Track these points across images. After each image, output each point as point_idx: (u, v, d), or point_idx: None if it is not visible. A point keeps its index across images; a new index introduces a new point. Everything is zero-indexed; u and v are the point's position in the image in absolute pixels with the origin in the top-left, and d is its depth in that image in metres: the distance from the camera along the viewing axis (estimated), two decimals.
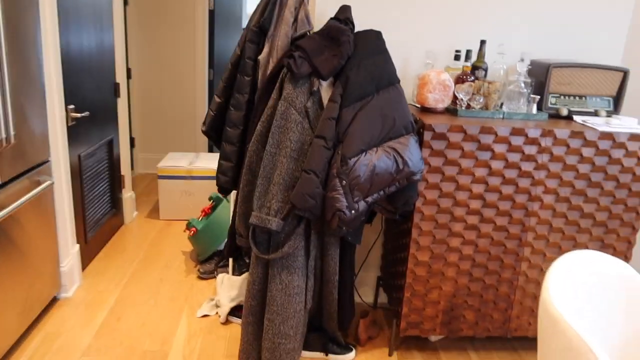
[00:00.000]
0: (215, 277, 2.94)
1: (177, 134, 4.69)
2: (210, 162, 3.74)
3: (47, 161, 2.44)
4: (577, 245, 2.18)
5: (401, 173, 1.88)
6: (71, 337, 2.34)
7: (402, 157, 1.87)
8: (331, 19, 2.03)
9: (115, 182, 3.40)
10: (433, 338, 2.46)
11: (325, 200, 1.86)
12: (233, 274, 2.79)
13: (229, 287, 2.64)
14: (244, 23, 5.17)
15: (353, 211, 1.86)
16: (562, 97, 2.20)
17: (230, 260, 2.82)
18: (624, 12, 2.40)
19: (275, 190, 1.90)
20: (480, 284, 2.19)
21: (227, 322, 2.53)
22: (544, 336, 1.24)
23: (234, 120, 2.09)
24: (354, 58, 1.90)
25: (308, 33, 2.08)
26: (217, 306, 2.61)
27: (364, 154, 1.84)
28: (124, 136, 3.52)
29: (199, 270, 2.95)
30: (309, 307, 2.16)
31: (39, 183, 2.35)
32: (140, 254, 3.18)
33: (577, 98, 2.21)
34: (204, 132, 2.23)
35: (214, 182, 3.65)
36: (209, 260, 3.02)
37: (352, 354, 2.31)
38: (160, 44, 4.43)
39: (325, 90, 1.94)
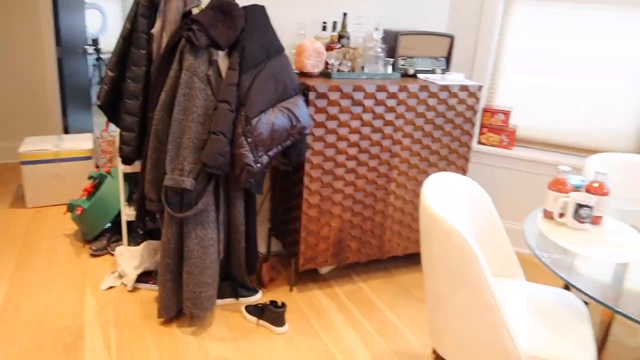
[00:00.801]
0: (108, 252, 2.97)
1: (25, 118, 4.36)
2: (77, 142, 3.63)
3: None
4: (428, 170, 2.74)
5: (295, 128, 2.21)
6: None
7: (294, 114, 2.19)
8: None
9: None
10: (323, 270, 2.88)
11: (233, 157, 2.11)
12: (129, 246, 2.87)
13: (130, 257, 2.72)
14: None
15: (259, 164, 2.14)
16: (408, 59, 2.71)
17: (124, 233, 2.88)
18: None
19: (186, 153, 2.09)
20: (360, 217, 2.64)
21: (134, 289, 2.64)
22: (426, 230, 1.69)
23: (134, 92, 2.19)
24: (246, 30, 2.14)
25: (197, 7, 2.25)
26: (121, 276, 2.69)
27: (263, 114, 2.12)
28: None
29: (91, 248, 2.95)
30: (221, 258, 2.40)
31: None
32: (18, 244, 3.04)
33: (419, 59, 2.75)
34: (100, 107, 2.28)
35: (85, 162, 3.57)
36: (100, 237, 3.03)
37: (259, 294, 2.62)
38: None
39: (222, 59, 2.16)
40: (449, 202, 1.89)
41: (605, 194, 1.89)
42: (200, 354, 2.19)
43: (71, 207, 3.01)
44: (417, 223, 2.80)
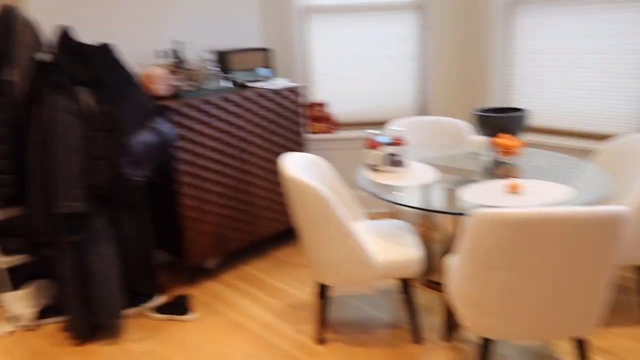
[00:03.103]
0: None
1: None
2: None
3: None
4: (277, 160, 3.34)
5: (163, 143, 2.60)
6: None
7: (160, 131, 2.59)
8: (65, 39, 2.50)
9: None
10: (210, 264, 3.28)
11: (119, 177, 2.42)
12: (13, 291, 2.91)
13: (21, 299, 2.80)
14: None
15: (142, 178, 2.49)
16: (239, 72, 3.26)
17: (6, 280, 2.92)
18: (250, 7, 3.62)
19: (74, 181, 2.34)
20: (234, 209, 3.12)
21: (36, 327, 2.73)
22: (292, 194, 2.25)
23: (1, 136, 2.37)
24: (102, 66, 2.46)
25: (48, 52, 2.49)
26: (18, 319, 2.76)
27: (136, 135, 2.48)
28: None
29: None
30: (122, 270, 2.67)
31: None
32: None
33: (248, 72, 3.31)
34: None
35: None
36: None
37: (160, 298, 2.93)
38: None
39: (86, 95, 2.45)
40: (302, 172, 2.48)
41: (406, 144, 2.67)
42: (127, 357, 2.45)
43: None
44: (278, 205, 3.37)
